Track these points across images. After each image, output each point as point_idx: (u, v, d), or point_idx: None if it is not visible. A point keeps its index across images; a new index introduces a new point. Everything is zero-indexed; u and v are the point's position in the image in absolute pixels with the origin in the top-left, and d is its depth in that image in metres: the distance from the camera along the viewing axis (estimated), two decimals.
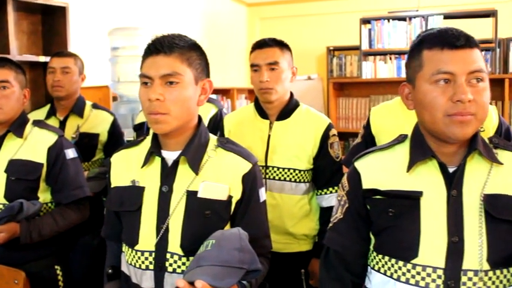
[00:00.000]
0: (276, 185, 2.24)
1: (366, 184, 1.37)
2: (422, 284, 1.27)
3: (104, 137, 2.88)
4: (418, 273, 1.27)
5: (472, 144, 1.31)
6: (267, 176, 2.25)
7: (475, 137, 1.31)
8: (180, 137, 1.50)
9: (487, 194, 1.27)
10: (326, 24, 6.62)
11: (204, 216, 1.45)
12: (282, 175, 2.23)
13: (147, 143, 1.56)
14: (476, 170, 1.31)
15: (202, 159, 1.50)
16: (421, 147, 1.34)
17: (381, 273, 1.35)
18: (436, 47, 1.28)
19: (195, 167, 1.48)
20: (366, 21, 5.53)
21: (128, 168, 1.56)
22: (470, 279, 1.24)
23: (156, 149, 1.52)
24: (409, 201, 1.31)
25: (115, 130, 2.92)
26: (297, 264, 2.26)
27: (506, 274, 1.26)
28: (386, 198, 1.34)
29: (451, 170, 1.31)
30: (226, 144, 1.55)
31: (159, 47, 1.43)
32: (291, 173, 2.22)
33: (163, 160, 1.51)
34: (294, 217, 2.23)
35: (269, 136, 2.28)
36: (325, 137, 2.24)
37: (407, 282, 1.29)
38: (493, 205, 1.26)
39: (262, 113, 2.33)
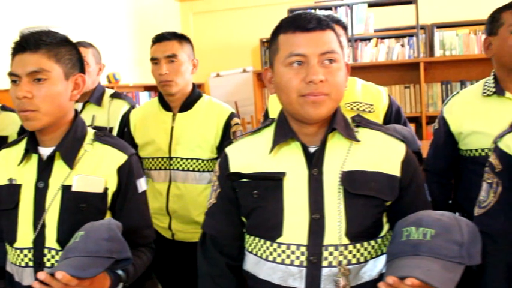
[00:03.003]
0: (180, 175, 2.26)
1: (233, 168, 1.40)
2: (287, 261, 1.30)
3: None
4: (283, 252, 1.31)
5: (330, 124, 1.35)
6: (171, 167, 2.28)
7: (335, 117, 1.35)
8: (54, 133, 1.50)
9: (345, 171, 1.31)
10: (258, 16, 6.64)
11: (79, 210, 1.45)
12: (186, 165, 2.26)
13: (26, 141, 1.56)
14: (336, 148, 1.35)
15: (77, 154, 1.50)
16: (283, 129, 1.38)
17: (253, 254, 1.39)
18: (289, 30, 1.32)
19: (70, 161, 1.48)
20: (293, 11, 5.58)
21: (6, 167, 1.55)
22: (331, 253, 1.28)
23: (31, 146, 1.52)
24: (273, 182, 1.34)
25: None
26: None
27: (367, 247, 1.32)
28: (251, 181, 1.37)
29: (312, 150, 1.35)
30: (103, 137, 1.56)
31: (24, 44, 1.44)
32: (194, 163, 2.25)
33: (39, 157, 1.51)
34: (200, 206, 2.25)
35: (172, 128, 2.30)
36: (227, 126, 2.28)
37: (274, 261, 1.32)
38: (350, 181, 1.31)
39: (166, 106, 2.35)
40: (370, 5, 5.33)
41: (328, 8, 5.45)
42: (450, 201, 2.09)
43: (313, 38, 1.29)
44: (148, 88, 5.62)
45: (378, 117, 2.10)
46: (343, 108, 2.05)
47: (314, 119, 1.31)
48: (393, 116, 2.14)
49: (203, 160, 2.25)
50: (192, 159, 2.25)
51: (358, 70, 4.36)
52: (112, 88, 5.00)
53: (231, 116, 2.31)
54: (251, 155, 1.40)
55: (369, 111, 2.09)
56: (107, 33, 5.31)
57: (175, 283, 2.33)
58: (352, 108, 2.07)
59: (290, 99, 1.30)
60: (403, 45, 5.38)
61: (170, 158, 2.28)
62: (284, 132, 1.37)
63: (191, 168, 2.25)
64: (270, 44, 1.38)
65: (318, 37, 1.29)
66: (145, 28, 6.06)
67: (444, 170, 2.06)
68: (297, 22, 1.31)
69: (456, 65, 4.30)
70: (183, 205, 2.25)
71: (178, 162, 2.26)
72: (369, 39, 5.35)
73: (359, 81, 2.21)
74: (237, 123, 2.31)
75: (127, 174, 1.52)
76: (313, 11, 5.49)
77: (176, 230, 2.30)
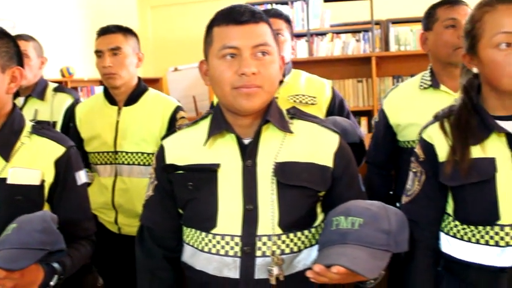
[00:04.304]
0: (125, 169, 2.26)
1: (169, 160, 1.41)
2: (222, 252, 1.32)
3: None
4: (218, 242, 1.32)
5: (264, 116, 1.36)
6: (117, 161, 2.27)
7: (269, 109, 1.37)
8: None
9: (278, 162, 1.33)
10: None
11: (15, 202, 1.44)
12: (131, 159, 2.25)
13: None
14: (270, 140, 1.37)
15: (14, 146, 1.48)
16: (218, 121, 1.39)
17: (190, 245, 1.40)
18: (223, 23, 1.33)
19: (5, 154, 1.46)
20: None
21: None
22: (264, 243, 1.30)
23: None
24: (207, 174, 1.35)
25: None
26: None
27: (301, 236, 1.34)
28: (186, 173, 1.37)
29: (246, 141, 1.36)
30: (41, 130, 1.55)
31: None
32: (139, 157, 2.24)
33: None
34: None
35: (117, 122, 2.28)
36: (173, 119, 2.28)
37: (209, 251, 1.33)
38: (282, 172, 1.33)
39: (111, 100, 2.34)
40: (326, 0, 5.39)
41: (285, 3, 5.49)
42: (391, 193, 2.14)
43: (246, 31, 1.30)
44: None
45: (321, 109, 2.14)
46: (287, 100, 2.08)
47: (247, 111, 1.32)
48: (336, 108, 2.18)
49: (148, 154, 2.24)
50: (137, 153, 2.25)
51: (313, 64, 4.43)
52: (66, 83, 4.96)
53: (177, 110, 2.31)
54: (187, 147, 1.41)
55: (312, 104, 2.13)
56: (61, 27, 5.22)
57: (121, 277, 2.32)
58: (295, 101, 2.09)
59: (224, 92, 1.31)
60: (358, 40, 5.46)
61: (115, 152, 2.27)
62: (219, 124, 1.38)
63: (136, 162, 2.25)
64: (205, 37, 1.39)
65: (251, 30, 1.31)
66: (102, 22, 5.94)
67: (384, 161, 2.11)
68: (230, 15, 1.33)
69: (408, 59, 4.40)
70: (128, 199, 2.25)
71: (124, 156, 2.26)
72: (324, 33, 5.40)
73: (303, 74, 2.24)
74: (183, 117, 2.31)
75: (65, 166, 1.51)
76: (269, 5, 5.52)
77: (122, 224, 2.29)
